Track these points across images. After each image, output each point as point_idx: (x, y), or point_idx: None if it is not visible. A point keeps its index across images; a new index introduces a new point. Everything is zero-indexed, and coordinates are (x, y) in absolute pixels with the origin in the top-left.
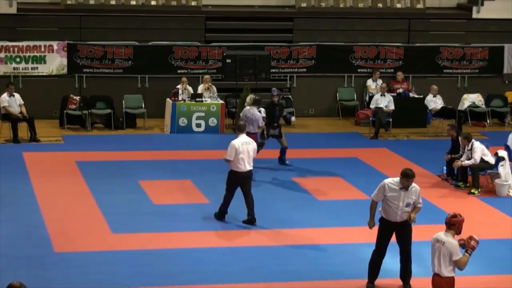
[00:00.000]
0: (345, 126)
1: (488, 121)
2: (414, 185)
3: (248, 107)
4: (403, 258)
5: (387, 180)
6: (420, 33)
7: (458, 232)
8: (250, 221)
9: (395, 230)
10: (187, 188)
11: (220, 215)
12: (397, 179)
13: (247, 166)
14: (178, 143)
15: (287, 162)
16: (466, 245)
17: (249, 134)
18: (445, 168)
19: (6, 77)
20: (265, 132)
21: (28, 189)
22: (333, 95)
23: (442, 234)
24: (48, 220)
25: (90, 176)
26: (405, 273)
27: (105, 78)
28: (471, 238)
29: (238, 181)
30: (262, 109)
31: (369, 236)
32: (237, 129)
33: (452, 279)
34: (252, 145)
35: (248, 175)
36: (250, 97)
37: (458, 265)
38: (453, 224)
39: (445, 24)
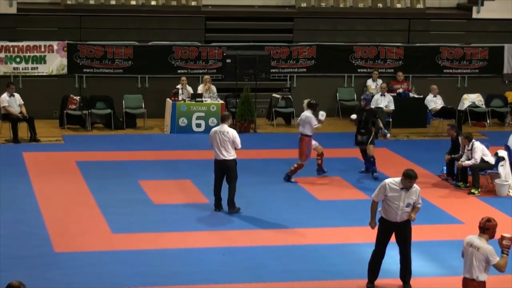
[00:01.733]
0: (345, 126)
1: (488, 121)
2: (414, 185)
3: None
4: (403, 258)
5: (387, 180)
6: (420, 33)
7: (492, 236)
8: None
9: (395, 230)
10: (187, 188)
11: (215, 205)
12: (398, 179)
13: (220, 155)
14: (178, 143)
15: (375, 174)
16: (500, 246)
17: (303, 136)
18: (445, 168)
19: (6, 77)
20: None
21: (28, 189)
22: (333, 95)
23: (475, 238)
24: (48, 220)
25: (90, 176)
26: (405, 273)
27: (105, 78)
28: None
29: (217, 168)
30: (323, 112)
31: (369, 236)
32: (220, 118)
33: (484, 283)
34: (227, 135)
35: (225, 164)
36: (306, 101)
37: (498, 268)
38: (487, 228)
39: (445, 24)
